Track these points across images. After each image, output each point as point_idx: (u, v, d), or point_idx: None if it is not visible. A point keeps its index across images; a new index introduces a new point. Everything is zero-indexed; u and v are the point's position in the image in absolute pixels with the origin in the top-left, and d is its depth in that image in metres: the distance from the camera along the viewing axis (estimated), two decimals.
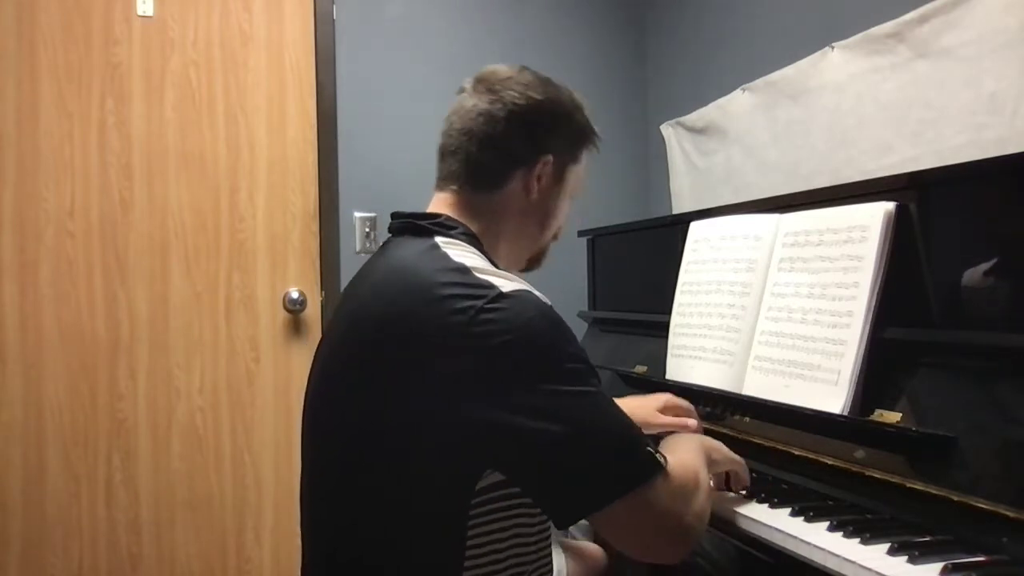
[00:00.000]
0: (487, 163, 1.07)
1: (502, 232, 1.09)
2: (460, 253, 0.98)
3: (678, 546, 0.94)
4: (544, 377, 0.88)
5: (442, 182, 1.10)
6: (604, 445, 0.89)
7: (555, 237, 1.19)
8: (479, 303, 0.89)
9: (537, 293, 0.94)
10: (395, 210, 1.14)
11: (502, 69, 1.10)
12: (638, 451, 0.90)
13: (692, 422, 1.37)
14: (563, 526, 0.94)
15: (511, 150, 1.07)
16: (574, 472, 0.89)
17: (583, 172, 1.17)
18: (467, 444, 0.88)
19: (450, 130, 1.10)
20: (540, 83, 1.09)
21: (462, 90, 1.11)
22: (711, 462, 1.11)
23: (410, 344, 0.91)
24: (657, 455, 0.91)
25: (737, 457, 1.19)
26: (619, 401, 1.47)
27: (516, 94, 1.06)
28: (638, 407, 1.39)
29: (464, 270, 0.94)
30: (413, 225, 1.06)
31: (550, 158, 1.09)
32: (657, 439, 1.42)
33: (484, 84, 1.08)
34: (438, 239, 1.01)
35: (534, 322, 0.90)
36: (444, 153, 1.10)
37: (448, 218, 1.06)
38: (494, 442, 0.88)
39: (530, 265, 1.19)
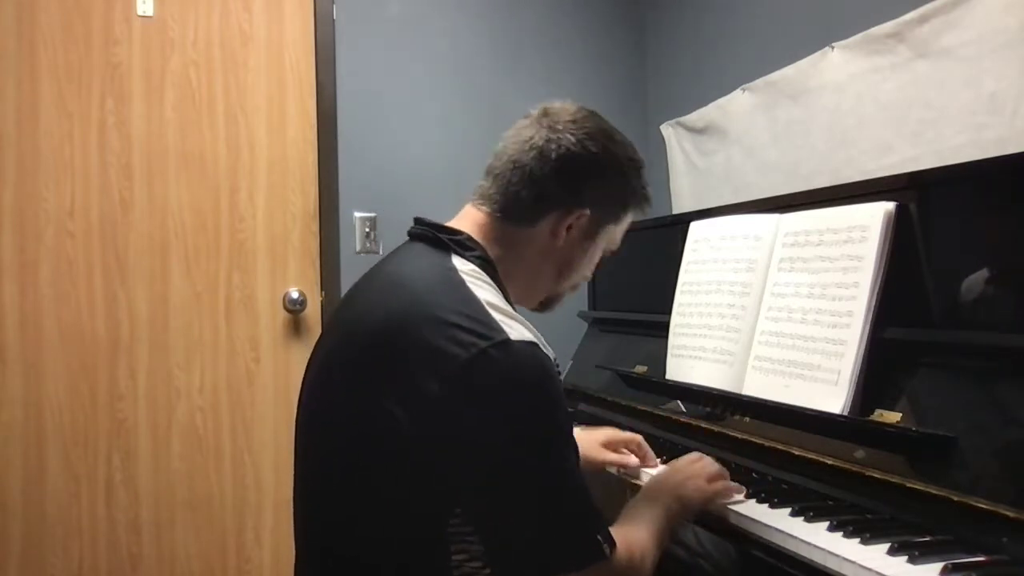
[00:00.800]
0: (523, 198, 1.05)
1: (519, 266, 1.07)
2: (475, 282, 0.97)
3: None
4: (519, 438, 0.88)
5: (478, 198, 1.09)
6: (552, 520, 0.89)
7: (574, 288, 1.17)
8: (482, 344, 0.87)
9: (543, 346, 0.93)
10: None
11: (571, 109, 1.08)
12: (586, 533, 0.90)
13: (632, 460, 1.39)
14: None
15: (550, 193, 1.05)
16: (517, 538, 0.89)
17: (620, 232, 1.15)
18: (437, 477, 0.89)
19: (501, 153, 1.07)
20: (602, 135, 1.07)
21: (526, 116, 1.09)
22: (680, 518, 1.10)
23: (404, 358, 0.90)
24: (604, 545, 0.90)
25: (710, 491, 1.16)
26: None
27: (573, 140, 1.04)
28: (581, 441, 1.35)
29: (476, 302, 0.92)
30: (433, 237, 1.04)
31: (587, 212, 1.07)
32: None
33: (548, 119, 1.06)
34: (456, 260, 0.99)
35: (530, 381, 0.89)
36: (489, 172, 1.09)
37: (469, 238, 1.04)
38: (457, 480, 0.88)
39: (542, 308, 1.17)
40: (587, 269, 1.15)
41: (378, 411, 0.90)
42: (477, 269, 1.00)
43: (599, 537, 0.91)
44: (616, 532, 0.95)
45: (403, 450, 0.89)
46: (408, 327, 0.91)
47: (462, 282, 0.96)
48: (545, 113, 1.07)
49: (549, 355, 0.93)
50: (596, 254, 1.14)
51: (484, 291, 0.95)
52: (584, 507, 0.92)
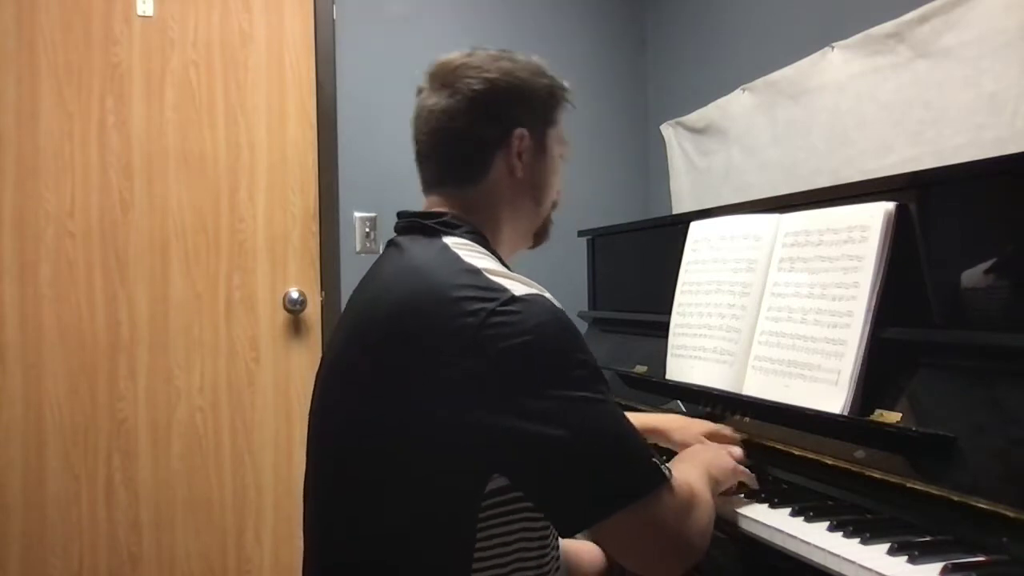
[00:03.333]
0: (463, 157, 1.06)
1: (501, 219, 1.08)
2: (470, 254, 0.97)
3: (678, 563, 0.92)
4: (551, 382, 0.87)
5: (427, 187, 1.10)
6: (608, 454, 0.88)
7: (554, 206, 1.17)
8: (491, 305, 0.88)
9: (549, 297, 0.94)
10: (396, 209, 1.13)
11: (452, 57, 1.08)
12: (643, 461, 0.89)
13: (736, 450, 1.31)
14: (566, 535, 0.93)
15: (482, 137, 1.05)
16: (576, 480, 0.88)
17: (563, 132, 1.15)
18: (473, 448, 0.88)
19: (418, 135, 1.09)
20: (493, 60, 1.07)
21: (420, 91, 1.10)
22: (715, 482, 1.10)
23: (419, 344, 0.90)
24: (663, 467, 0.90)
25: (740, 468, 1.18)
26: (663, 417, 1.43)
27: (472, 80, 1.04)
28: (682, 428, 1.37)
29: (476, 272, 0.93)
30: (420, 225, 1.05)
31: (524, 132, 1.07)
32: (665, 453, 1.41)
33: (438, 80, 1.07)
34: (447, 239, 1.00)
35: (545, 326, 0.89)
36: (420, 158, 1.10)
37: (454, 216, 1.05)
38: (499, 446, 0.87)
39: (537, 240, 1.18)
40: (556, 180, 1.15)
41: (403, 398, 0.90)
42: (468, 242, 1.01)
43: (656, 460, 0.90)
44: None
45: (436, 434, 0.89)
46: (419, 312, 0.92)
47: (457, 256, 0.96)
48: (433, 76, 1.08)
49: (558, 305, 0.93)
50: (556, 162, 1.14)
51: (481, 260, 0.96)
52: (634, 435, 0.91)
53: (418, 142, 1.09)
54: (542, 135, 1.10)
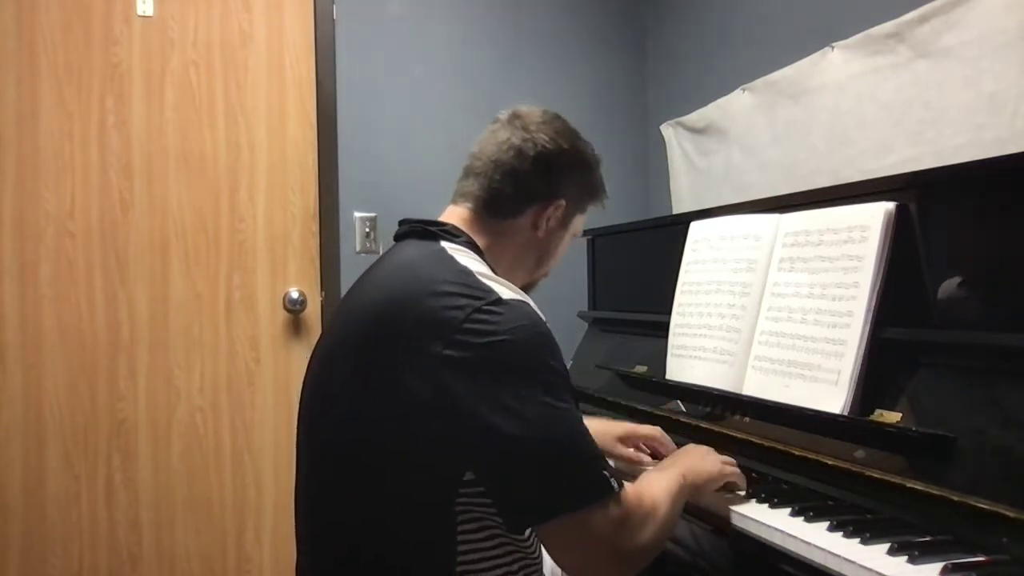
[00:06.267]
0: (506, 193, 1.13)
1: (503, 256, 1.15)
2: (465, 258, 1.03)
3: (613, 574, 0.96)
4: (519, 382, 0.92)
5: (459, 197, 1.16)
6: (560, 458, 0.92)
7: (546, 275, 1.25)
8: (476, 303, 0.93)
9: (534, 307, 0.98)
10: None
11: (538, 112, 1.18)
12: (592, 471, 0.93)
13: (646, 460, 1.39)
14: (514, 531, 0.98)
15: (531, 187, 1.14)
16: (524, 479, 0.92)
17: (583, 221, 1.25)
18: (447, 435, 0.92)
19: (480, 154, 1.16)
20: (570, 134, 1.18)
21: (496, 121, 1.18)
22: (694, 490, 1.12)
23: (406, 332, 0.94)
24: (611, 480, 0.93)
25: (727, 471, 1.19)
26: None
27: (547, 138, 1.14)
28: (599, 433, 1.40)
29: (468, 272, 0.99)
30: (421, 230, 1.11)
31: (563, 203, 1.16)
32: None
33: (520, 121, 1.15)
34: (444, 243, 1.06)
35: (523, 330, 0.94)
36: (468, 172, 1.16)
37: (455, 227, 1.11)
38: (467, 438, 0.91)
39: None
40: (560, 256, 1.24)
41: (391, 385, 0.94)
42: (465, 249, 1.07)
43: (606, 473, 0.94)
44: (627, 484, 0.98)
45: (417, 419, 0.93)
46: (408, 303, 0.97)
47: (452, 258, 1.03)
48: (516, 115, 1.17)
49: (540, 316, 0.98)
50: (567, 242, 1.24)
51: (474, 264, 1.02)
52: (591, 446, 0.95)
53: (475, 159, 1.16)
54: (572, 214, 1.21)
